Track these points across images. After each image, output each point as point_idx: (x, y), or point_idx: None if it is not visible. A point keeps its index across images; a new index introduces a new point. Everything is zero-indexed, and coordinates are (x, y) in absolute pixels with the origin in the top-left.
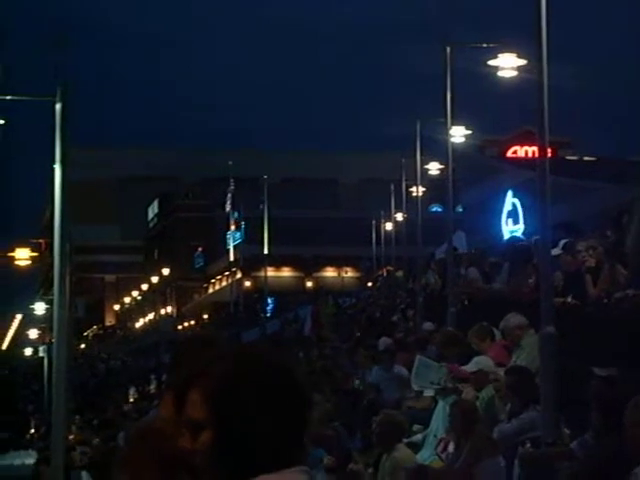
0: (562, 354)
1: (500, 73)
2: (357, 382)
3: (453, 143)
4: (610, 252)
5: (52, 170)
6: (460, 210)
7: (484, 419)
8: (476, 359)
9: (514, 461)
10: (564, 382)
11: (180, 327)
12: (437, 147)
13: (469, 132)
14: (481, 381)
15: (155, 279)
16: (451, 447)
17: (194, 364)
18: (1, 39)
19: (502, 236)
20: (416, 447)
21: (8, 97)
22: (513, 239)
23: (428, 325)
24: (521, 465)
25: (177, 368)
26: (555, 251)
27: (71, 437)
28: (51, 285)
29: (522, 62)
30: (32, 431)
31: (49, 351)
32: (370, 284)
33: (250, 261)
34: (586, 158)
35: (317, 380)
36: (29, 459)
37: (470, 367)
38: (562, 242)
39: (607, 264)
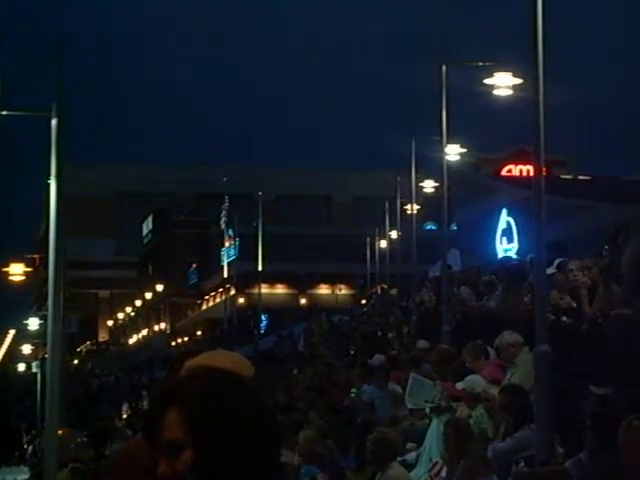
0: (557, 372)
1: (496, 92)
2: (351, 399)
3: (448, 161)
4: (605, 271)
5: (47, 185)
6: (454, 228)
7: (477, 438)
8: (467, 378)
9: None
10: (558, 401)
11: (174, 343)
12: (432, 165)
13: (464, 150)
14: (472, 400)
15: (149, 295)
16: (444, 472)
17: (165, 385)
18: None
19: (496, 254)
20: (410, 466)
21: (4, 112)
22: (505, 259)
23: (422, 343)
24: None
25: None
26: (550, 270)
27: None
28: (45, 300)
29: (518, 81)
30: (25, 447)
31: (42, 366)
32: (364, 301)
33: (244, 278)
34: (581, 177)
35: (311, 397)
36: (21, 475)
37: (460, 385)
38: (557, 261)
39: (602, 283)
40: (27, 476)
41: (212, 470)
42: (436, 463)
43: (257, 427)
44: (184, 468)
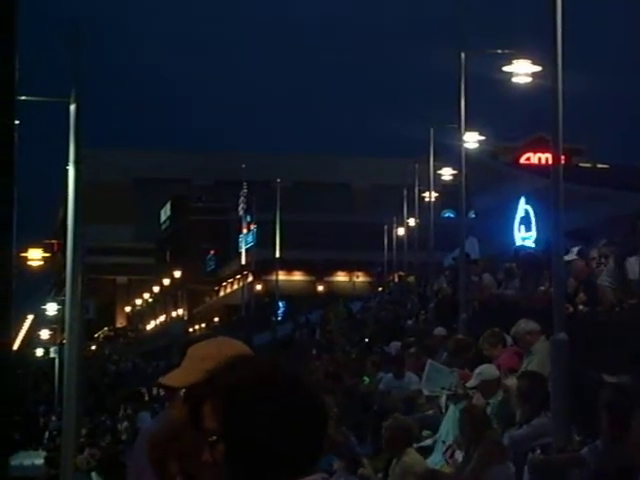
0: (573, 361)
1: (514, 79)
2: (366, 387)
3: (466, 149)
4: (622, 259)
5: (66, 171)
6: (472, 216)
7: (494, 425)
8: (478, 370)
9: (524, 467)
10: (575, 388)
11: (191, 330)
12: (450, 153)
13: (482, 138)
14: (488, 390)
15: (167, 281)
16: (458, 454)
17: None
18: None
19: (514, 243)
20: (426, 452)
21: (22, 98)
22: (521, 247)
23: (440, 330)
24: (531, 471)
25: None
26: (568, 257)
27: (82, 440)
28: (63, 286)
29: (537, 68)
30: (42, 431)
31: (60, 352)
32: (381, 289)
33: (262, 264)
34: (599, 165)
35: (327, 384)
36: (39, 460)
37: (473, 382)
38: (576, 249)
39: (619, 271)
40: (44, 460)
41: (242, 464)
42: (449, 446)
43: (292, 422)
44: (221, 458)
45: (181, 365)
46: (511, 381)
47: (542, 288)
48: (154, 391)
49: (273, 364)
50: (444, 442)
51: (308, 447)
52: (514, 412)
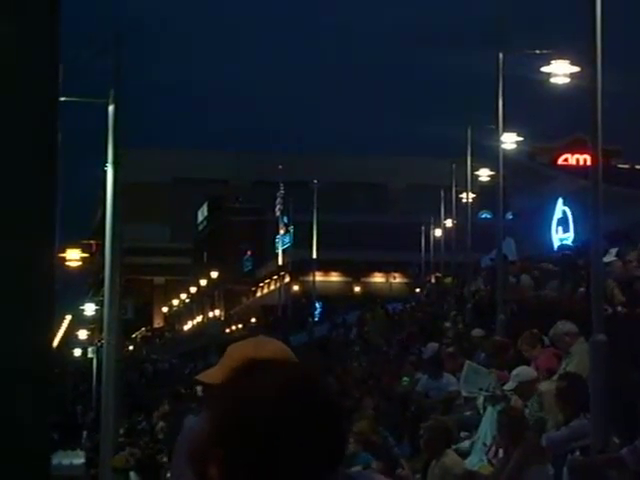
0: (612, 362)
1: (553, 80)
2: (404, 388)
3: (504, 149)
4: None
5: (104, 171)
6: (510, 217)
7: (533, 426)
8: (515, 372)
9: (563, 469)
10: (614, 390)
11: (228, 330)
12: (488, 153)
13: (520, 139)
14: (526, 391)
15: (204, 282)
16: (501, 452)
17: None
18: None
19: (552, 244)
20: (464, 454)
21: (62, 98)
22: (563, 247)
23: (477, 331)
24: (570, 473)
25: None
26: (606, 258)
27: (121, 439)
28: (101, 286)
29: (575, 69)
30: (81, 432)
31: (98, 352)
32: (418, 290)
33: (298, 265)
34: (638, 167)
35: (364, 385)
36: (78, 459)
37: (511, 384)
38: (614, 250)
39: None
40: (83, 460)
41: (238, 472)
42: (492, 445)
43: (290, 427)
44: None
45: (219, 362)
46: (545, 386)
47: (581, 289)
48: (194, 390)
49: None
50: (485, 444)
51: (331, 453)
52: (546, 418)
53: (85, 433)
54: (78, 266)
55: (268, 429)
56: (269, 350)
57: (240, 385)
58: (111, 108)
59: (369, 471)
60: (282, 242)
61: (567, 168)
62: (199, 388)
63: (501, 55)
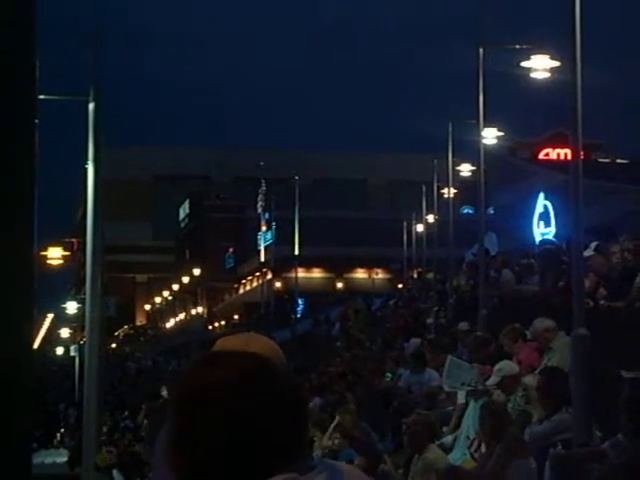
0: (593, 356)
1: (533, 74)
2: (386, 383)
3: (485, 145)
4: None
5: (85, 169)
6: (491, 212)
7: (515, 420)
8: (498, 366)
9: (545, 463)
10: (595, 384)
11: (211, 327)
12: (469, 148)
13: (501, 134)
14: (508, 386)
15: (186, 279)
16: (483, 447)
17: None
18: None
19: (533, 238)
20: (446, 449)
21: (41, 96)
22: (544, 241)
23: (463, 325)
24: (552, 466)
25: None
26: (587, 253)
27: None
28: (83, 284)
29: (555, 63)
30: (62, 430)
31: (80, 350)
32: (401, 286)
33: (281, 262)
34: (618, 160)
35: (347, 380)
36: (60, 458)
37: (494, 379)
38: (594, 244)
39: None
40: (65, 458)
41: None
42: (474, 439)
43: (243, 414)
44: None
45: None
46: (530, 379)
47: (562, 283)
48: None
49: (253, 361)
50: (468, 437)
51: (288, 444)
52: (531, 412)
53: (66, 431)
54: (60, 264)
55: (220, 414)
56: (257, 346)
57: (198, 374)
58: (91, 106)
59: (332, 461)
60: (264, 239)
61: (548, 163)
62: None
63: (481, 50)
